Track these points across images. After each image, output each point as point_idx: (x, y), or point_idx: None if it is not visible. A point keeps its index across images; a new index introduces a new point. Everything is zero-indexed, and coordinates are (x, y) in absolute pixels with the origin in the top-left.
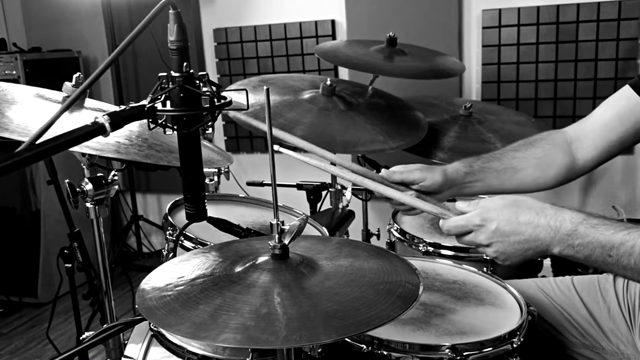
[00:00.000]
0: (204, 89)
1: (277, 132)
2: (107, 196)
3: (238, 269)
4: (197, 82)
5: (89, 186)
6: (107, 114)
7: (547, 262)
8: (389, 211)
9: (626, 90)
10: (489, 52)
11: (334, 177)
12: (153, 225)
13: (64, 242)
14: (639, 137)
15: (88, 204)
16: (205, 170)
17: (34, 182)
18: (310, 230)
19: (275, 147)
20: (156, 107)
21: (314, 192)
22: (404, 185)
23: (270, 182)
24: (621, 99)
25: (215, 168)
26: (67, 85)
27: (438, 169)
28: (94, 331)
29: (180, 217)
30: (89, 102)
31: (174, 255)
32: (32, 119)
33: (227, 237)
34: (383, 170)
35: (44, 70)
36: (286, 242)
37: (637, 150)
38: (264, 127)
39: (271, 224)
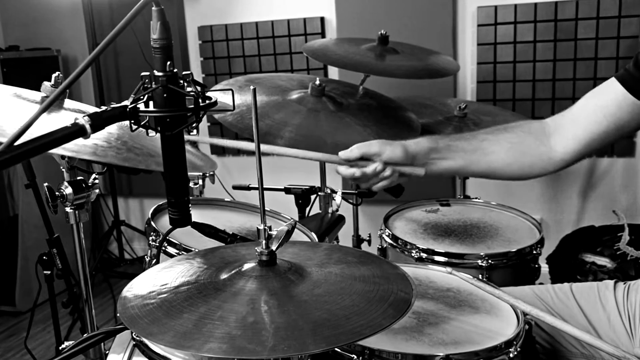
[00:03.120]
0: (189, 89)
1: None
2: (88, 200)
3: (224, 276)
4: (181, 81)
5: (68, 190)
6: (87, 115)
7: (545, 268)
8: (380, 216)
9: (612, 83)
10: (485, 50)
11: (323, 181)
12: (135, 230)
13: (43, 248)
14: (623, 133)
15: (68, 209)
16: (189, 173)
17: (12, 186)
18: (298, 235)
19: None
20: (138, 108)
21: (302, 196)
22: (365, 160)
23: (257, 186)
24: (606, 91)
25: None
26: (46, 85)
27: (398, 143)
28: (73, 341)
29: (164, 222)
30: (68, 102)
31: (157, 262)
32: (8, 120)
33: (212, 243)
34: (340, 152)
35: (22, 69)
36: (274, 248)
37: (639, 152)
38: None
39: (258, 230)
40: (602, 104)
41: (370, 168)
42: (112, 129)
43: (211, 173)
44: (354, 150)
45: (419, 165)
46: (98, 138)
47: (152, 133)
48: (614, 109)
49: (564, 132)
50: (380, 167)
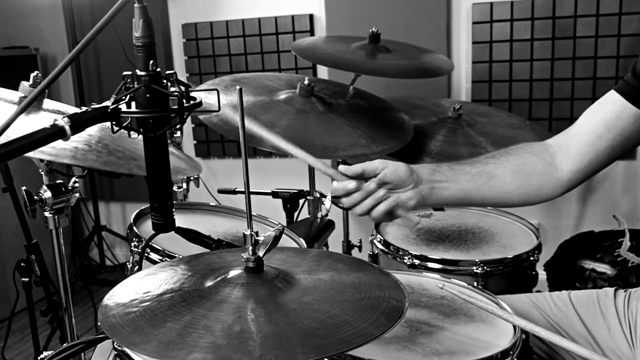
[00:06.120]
0: (172, 89)
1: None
2: (68, 205)
3: (209, 283)
4: (165, 81)
5: (47, 194)
6: (67, 116)
7: (542, 275)
8: (371, 221)
9: (612, 95)
10: (480, 49)
11: (312, 185)
12: (117, 236)
13: (21, 255)
14: (628, 145)
15: (47, 213)
16: (173, 177)
17: None
18: (286, 241)
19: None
20: (120, 109)
21: (290, 201)
22: (364, 179)
23: (243, 190)
24: (606, 104)
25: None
26: (24, 84)
27: (401, 162)
28: (53, 350)
29: (146, 228)
30: (47, 103)
31: (140, 269)
32: None
33: (196, 249)
34: (341, 166)
35: None
36: (260, 254)
37: None
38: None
39: (244, 235)
40: (604, 117)
41: (366, 185)
42: (93, 131)
43: (195, 176)
44: (355, 166)
45: (427, 190)
46: (78, 141)
47: (134, 135)
48: (616, 121)
49: (568, 150)
50: (374, 186)
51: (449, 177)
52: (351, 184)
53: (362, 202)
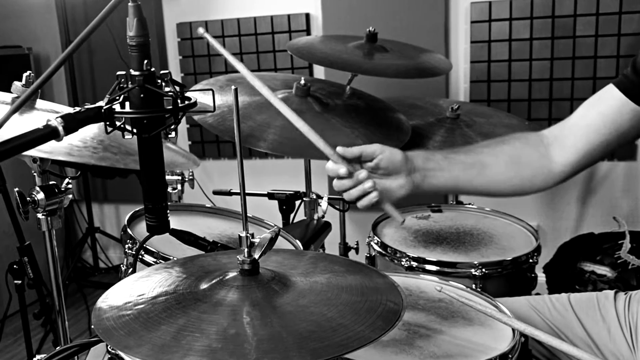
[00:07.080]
0: (167, 89)
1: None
2: (61, 206)
3: (204, 286)
4: (159, 81)
5: (40, 195)
6: (60, 117)
7: (541, 278)
8: (368, 223)
9: (610, 89)
10: (478, 48)
11: (308, 186)
12: (111, 238)
13: (13, 257)
14: (623, 141)
15: (39, 215)
16: (167, 178)
17: None
18: (282, 243)
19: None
20: (114, 109)
21: (286, 202)
22: (360, 162)
23: (238, 191)
24: (604, 98)
25: (178, 175)
26: (17, 85)
27: (398, 149)
28: (46, 354)
29: (141, 229)
30: (40, 103)
31: (134, 271)
32: None
33: (191, 251)
34: (339, 148)
35: None
36: (256, 256)
37: None
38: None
39: (240, 237)
40: (601, 111)
41: (357, 173)
42: (88, 127)
43: (191, 177)
44: (354, 149)
45: (419, 178)
46: (73, 138)
47: (128, 135)
48: (613, 117)
49: (563, 143)
50: (364, 175)
51: (442, 166)
52: (342, 170)
53: (350, 189)
